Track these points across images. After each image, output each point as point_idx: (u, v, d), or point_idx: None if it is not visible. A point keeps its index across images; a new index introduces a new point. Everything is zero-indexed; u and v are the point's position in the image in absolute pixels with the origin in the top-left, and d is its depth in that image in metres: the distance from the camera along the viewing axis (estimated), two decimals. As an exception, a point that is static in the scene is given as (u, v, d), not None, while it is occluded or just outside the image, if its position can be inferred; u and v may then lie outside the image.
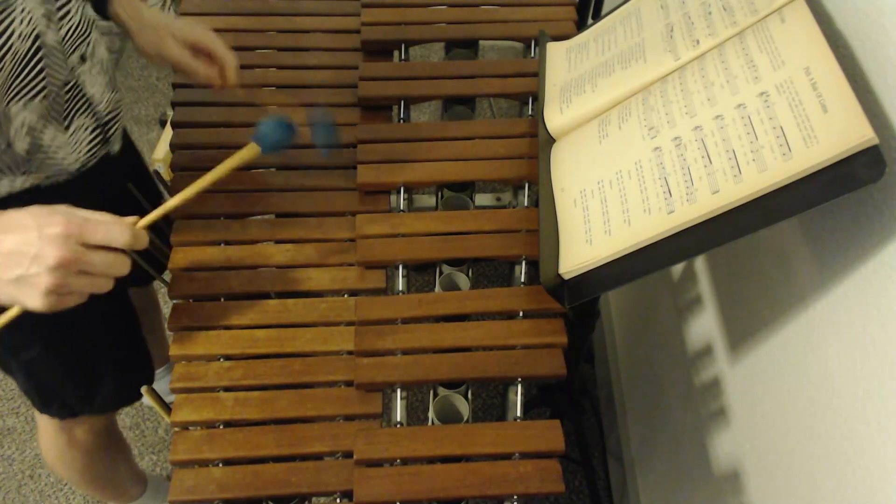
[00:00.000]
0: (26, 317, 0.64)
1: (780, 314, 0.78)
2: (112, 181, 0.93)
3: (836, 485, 0.69)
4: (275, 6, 1.10)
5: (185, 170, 0.93)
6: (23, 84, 0.73)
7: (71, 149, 0.81)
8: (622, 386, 1.44)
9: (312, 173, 0.92)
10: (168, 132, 1.76)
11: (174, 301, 0.82)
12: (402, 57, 1.07)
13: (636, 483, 1.31)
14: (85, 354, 0.95)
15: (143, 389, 0.87)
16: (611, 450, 1.48)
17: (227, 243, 0.86)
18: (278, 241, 0.87)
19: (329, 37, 1.07)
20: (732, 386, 0.92)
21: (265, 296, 0.82)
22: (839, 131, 0.58)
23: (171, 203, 0.71)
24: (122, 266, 0.62)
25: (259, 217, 0.90)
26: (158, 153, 1.77)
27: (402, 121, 1.00)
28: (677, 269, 1.12)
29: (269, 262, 0.84)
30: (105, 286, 0.62)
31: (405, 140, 0.95)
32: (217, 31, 1.06)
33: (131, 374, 1.03)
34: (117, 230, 0.61)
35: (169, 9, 2.18)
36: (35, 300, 0.59)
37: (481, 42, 1.14)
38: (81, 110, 0.82)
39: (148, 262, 1.09)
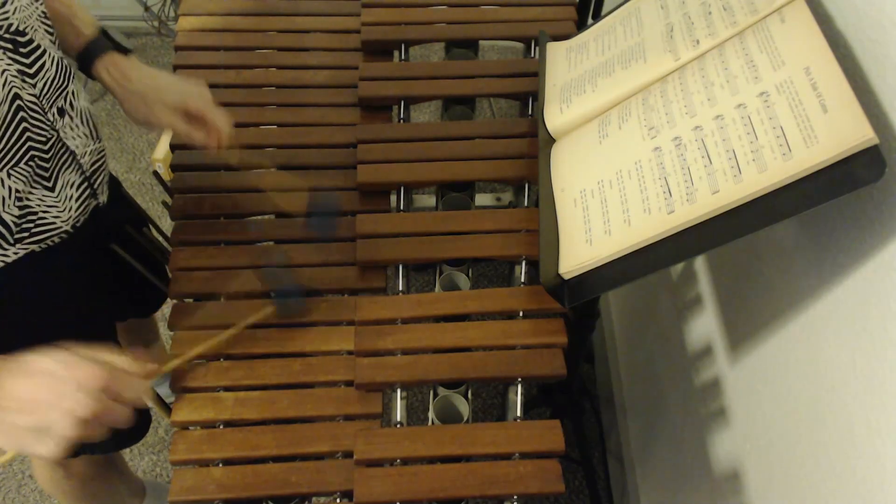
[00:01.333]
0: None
1: (780, 314, 0.78)
2: (100, 235, 0.90)
3: (836, 485, 0.69)
4: (275, 6, 1.10)
5: (185, 170, 0.93)
6: (6, 150, 0.69)
7: (61, 208, 0.77)
8: (622, 386, 1.44)
9: (312, 173, 0.92)
10: (168, 132, 1.76)
11: (174, 301, 0.82)
12: (402, 57, 1.07)
13: (636, 483, 1.31)
14: None
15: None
16: (611, 450, 1.48)
17: (227, 243, 0.86)
18: (278, 241, 0.87)
19: (329, 37, 1.07)
20: (732, 386, 0.92)
21: (265, 296, 0.82)
22: (839, 131, 0.58)
23: (181, 358, 0.73)
24: (128, 419, 0.61)
25: (259, 217, 0.90)
26: (158, 153, 1.77)
27: (402, 121, 1.00)
28: (677, 269, 1.12)
29: (269, 263, 0.84)
30: (102, 433, 0.60)
31: (405, 140, 0.95)
32: (217, 31, 1.07)
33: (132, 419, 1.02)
34: (139, 390, 0.62)
35: (169, 8, 2.18)
36: (49, 448, 0.57)
37: (481, 42, 1.14)
38: (66, 166, 0.78)
39: (150, 294, 1.09)
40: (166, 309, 1.47)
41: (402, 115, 1.00)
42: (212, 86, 1.00)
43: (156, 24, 2.21)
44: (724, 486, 0.93)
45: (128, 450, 1.50)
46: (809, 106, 0.61)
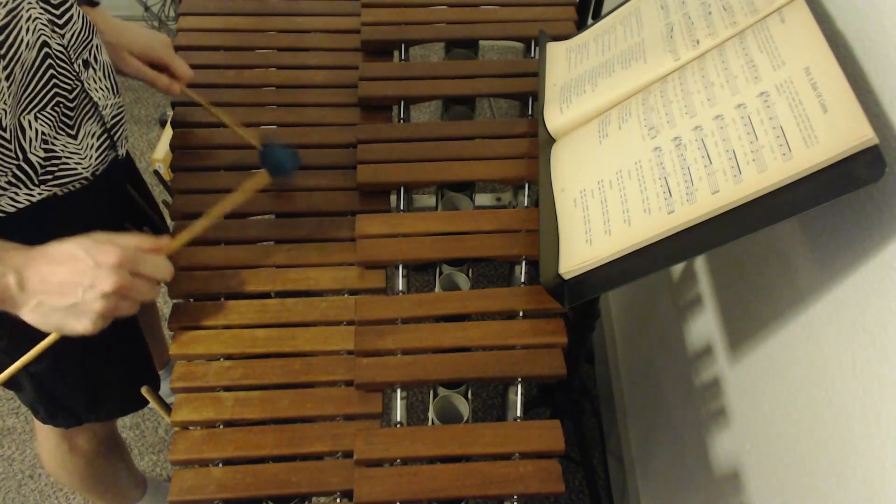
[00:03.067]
0: (36, 331, 0.66)
1: (780, 314, 0.78)
2: (116, 185, 0.93)
3: (836, 485, 0.69)
4: (275, 6, 1.10)
5: (185, 170, 0.93)
6: (33, 94, 0.73)
7: (82, 155, 0.81)
8: (622, 386, 1.44)
9: (312, 173, 0.92)
10: (168, 132, 1.76)
11: (174, 301, 0.82)
12: (402, 57, 1.07)
13: (636, 483, 1.31)
14: (93, 364, 0.94)
15: (143, 390, 0.87)
16: (611, 450, 1.48)
17: (227, 243, 0.86)
18: (278, 241, 0.87)
19: (329, 37, 1.07)
20: (732, 386, 0.92)
21: (265, 296, 0.82)
22: (839, 131, 0.58)
23: (199, 226, 0.77)
24: (155, 293, 0.68)
25: (259, 217, 0.90)
26: (158, 153, 1.77)
27: (402, 121, 1.00)
28: (677, 269, 1.12)
29: (269, 262, 0.84)
30: (135, 309, 0.67)
31: (405, 140, 0.95)
32: (217, 31, 1.07)
33: (137, 382, 1.03)
34: (163, 265, 0.68)
35: (169, 8, 2.19)
36: (84, 325, 0.64)
37: (481, 42, 1.14)
38: (89, 116, 0.82)
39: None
40: (166, 309, 1.47)
41: (402, 115, 1.00)
42: (212, 86, 1.01)
43: (156, 24, 2.21)
44: (724, 486, 0.93)
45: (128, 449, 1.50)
46: (809, 106, 0.61)
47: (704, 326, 1.00)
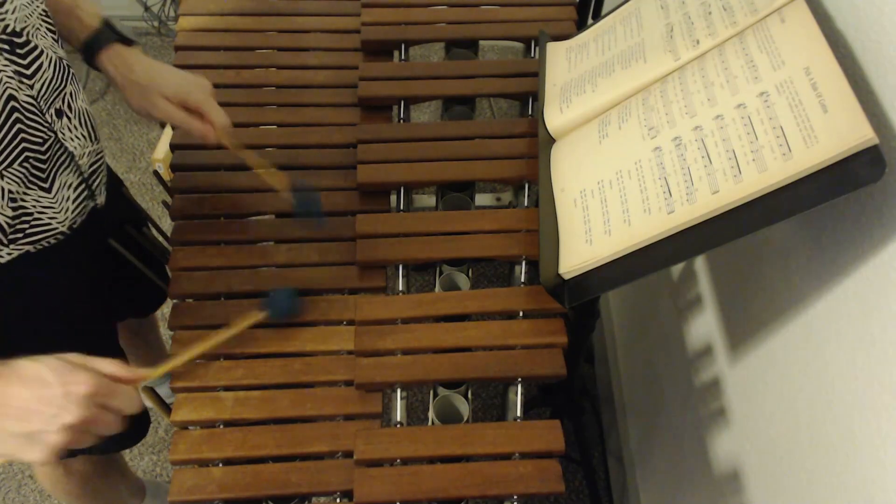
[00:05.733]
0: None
1: (780, 314, 0.78)
2: (98, 236, 0.89)
3: (836, 485, 0.69)
4: (275, 6, 1.10)
5: (185, 170, 0.93)
6: None
7: (57, 209, 0.77)
8: (622, 386, 1.44)
9: (312, 173, 0.92)
10: (168, 132, 1.76)
11: (174, 301, 0.82)
12: (402, 57, 1.07)
13: (636, 483, 1.31)
14: None
15: (143, 390, 0.87)
16: (611, 450, 1.48)
17: (227, 243, 0.86)
18: (278, 241, 0.87)
19: (329, 37, 1.07)
20: (732, 386, 0.92)
21: (265, 295, 0.82)
22: (839, 131, 0.58)
23: (180, 359, 0.73)
24: (118, 428, 0.62)
25: (259, 217, 0.90)
26: (158, 153, 1.77)
27: (402, 121, 1.00)
28: (677, 269, 1.12)
29: (269, 262, 0.84)
30: (92, 442, 0.61)
31: (405, 140, 0.95)
32: (217, 31, 1.07)
33: (129, 422, 1.02)
34: (133, 398, 0.62)
35: (168, 8, 2.18)
36: (38, 454, 0.58)
37: (481, 42, 1.14)
38: (64, 167, 0.77)
39: (149, 293, 1.08)
40: (166, 309, 1.47)
41: (402, 115, 1.00)
42: (212, 86, 1.00)
43: (156, 24, 2.21)
44: (724, 486, 0.93)
45: (128, 450, 1.50)
46: (809, 106, 0.61)
47: (704, 326, 1.00)
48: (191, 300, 0.82)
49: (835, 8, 0.69)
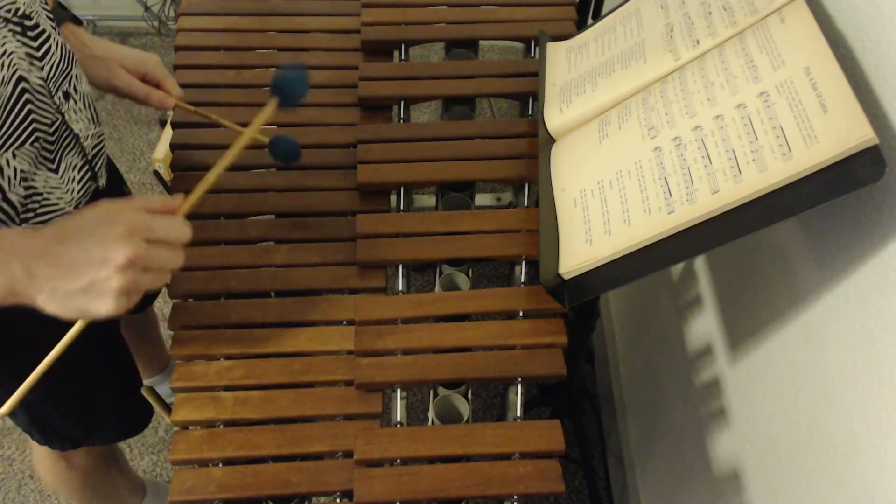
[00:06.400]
0: (27, 361, 0.62)
1: (780, 314, 0.78)
2: None
3: (836, 485, 0.69)
4: (275, 6, 1.10)
5: (185, 170, 0.93)
6: (11, 132, 0.70)
7: (64, 189, 0.79)
8: (622, 386, 1.44)
9: (312, 173, 0.92)
10: (168, 132, 1.75)
11: (174, 301, 0.82)
12: (402, 57, 1.07)
13: (636, 483, 1.31)
14: (86, 394, 0.94)
15: (143, 390, 0.87)
16: (611, 450, 1.48)
17: (227, 243, 0.86)
18: (278, 241, 0.87)
19: (329, 37, 1.07)
20: (732, 386, 0.92)
21: (265, 295, 0.82)
22: (839, 131, 0.58)
23: (211, 177, 0.69)
24: (179, 259, 0.61)
25: (259, 217, 0.90)
26: (158, 153, 1.77)
27: (402, 121, 1.00)
28: (677, 269, 1.12)
29: (269, 262, 0.84)
30: (164, 280, 0.61)
31: (405, 140, 0.95)
32: (217, 31, 1.07)
33: (132, 411, 1.03)
34: (178, 226, 0.61)
35: (168, 8, 2.18)
36: (107, 304, 0.57)
37: (481, 42, 1.14)
38: (70, 149, 0.80)
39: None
40: (166, 309, 1.47)
41: (402, 115, 1.00)
42: (212, 86, 1.01)
43: (156, 24, 2.21)
44: (724, 486, 0.93)
45: (128, 449, 1.50)
46: (809, 106, 0.61)
47: (704, 326, 1.00)
48: (191, 300, 0.82)
49: (835, 8, 0.69)
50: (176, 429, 0.74)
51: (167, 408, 0.78)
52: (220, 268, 0.84)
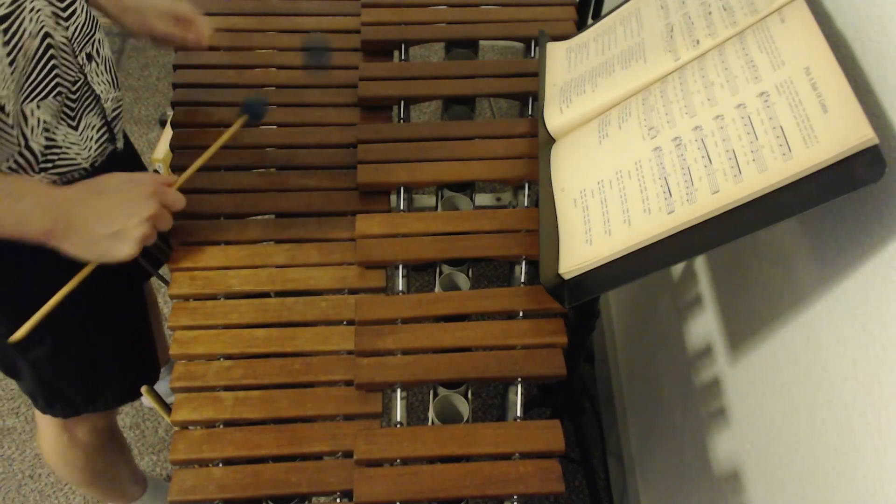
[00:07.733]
0: (35, 301, 0.71)
1: (780, 314, 0.78)
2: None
3: (836, 484, 0.69)
4: (275, 6, 1.10)
5: (184, 170, 0.92)
6: (35, 83, 0.75)
7: (82, 146, 0.83)
8: (622, 386, 1.44)
9: (312, 173, 0.92)
10: (168, 132, 1.75)
11: (174, 301, 0.82)
12: (402, 57, 1.07)
13: (636, 483, 1.31)
14: (93, 350, 0.95)
15: (143, 389, 0.87)
16: (611, 450, 1.48)
17: (227, 243, 0.86)
18: (278, 241, 0.87)
19: (329, 37, 1.07)
20: (732, 386, 0.92)
21: (265, 295, 0.82)
22: (839, 131, 0.58)
23: (196, 165, 0.83)
24: (171, 223, 0.75)
25: (259, 217, 0.90)
26: (158, 153, 1.77)
27: (402, 121, 1.00)
28: (677, 269, 1.12)
29: (269, 262, 0.84)
30: (154, 238, 0.74)
31: (405, 140, 0.95)
32: (217, 31, 1.07)
33: (137, 371, 1.03)
34: (179, 198, 0.76)
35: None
36: (128, 248, 0.71)
37: (481, 42, 1.14)
38: (90, 108, 0.84)
39: (147, 259, 1.10)
40: (166, 309, 1.47)
41: (402, 115, 1.00)
42: (212, 86, 1.01)
43: (156, 24, 2.21)
44: (724, 486, 0.93)
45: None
46: (809, 106, 0.61)
47: (704, 326, 1.00)
48: (191, 300, 0.82)
49: (835, 8, 0.69)
50: (176, 429, 0.74)
51: (167, 408, 0.78)
52: (220, 268, 0.84)
